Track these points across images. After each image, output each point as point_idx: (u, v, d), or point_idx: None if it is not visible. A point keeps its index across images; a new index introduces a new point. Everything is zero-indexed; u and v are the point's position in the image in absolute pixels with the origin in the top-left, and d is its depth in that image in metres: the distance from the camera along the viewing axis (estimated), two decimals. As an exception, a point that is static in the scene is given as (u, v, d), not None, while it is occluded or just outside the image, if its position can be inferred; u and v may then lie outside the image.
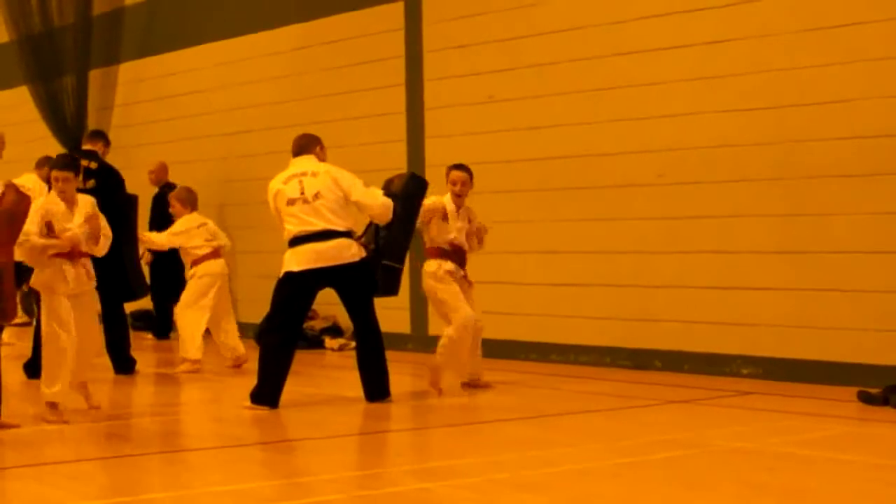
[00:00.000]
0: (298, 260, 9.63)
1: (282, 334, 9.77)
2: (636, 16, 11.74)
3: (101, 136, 12.22)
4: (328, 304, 11.09)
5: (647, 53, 11.64)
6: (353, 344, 12.42)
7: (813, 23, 10.55)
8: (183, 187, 12.72)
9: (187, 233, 12.24)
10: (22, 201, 8.78)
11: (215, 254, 12.24)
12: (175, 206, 12.46)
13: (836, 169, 10.41)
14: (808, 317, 10.60)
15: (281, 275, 9.71)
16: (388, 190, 9.99)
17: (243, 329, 13.01)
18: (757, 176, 10.90)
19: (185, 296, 12.23)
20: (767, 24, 10.84)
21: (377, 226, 9.98)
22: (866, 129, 10.22)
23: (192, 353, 12.04)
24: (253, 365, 10.35)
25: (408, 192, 10.09)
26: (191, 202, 12.45)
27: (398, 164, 13.55)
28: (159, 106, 17.44)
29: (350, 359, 11.31)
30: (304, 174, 9.74)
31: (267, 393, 9.62)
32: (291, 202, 9.68)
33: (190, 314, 12.10)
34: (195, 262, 12.25)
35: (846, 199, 10.36)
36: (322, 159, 9.96)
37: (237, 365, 12.14)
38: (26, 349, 11.79)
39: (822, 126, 10.49)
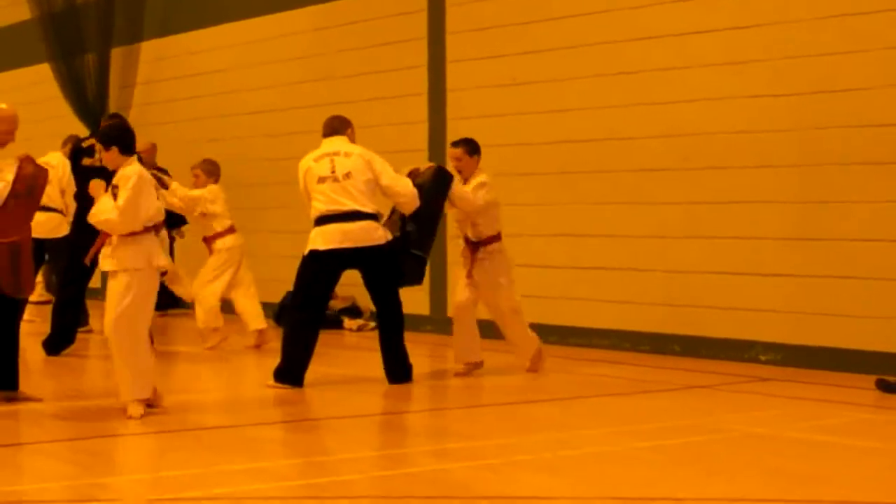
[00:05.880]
0: (325, 239, 9.63)
1: (306, 312, 9.78)
2: (660, 0, 11.70)
3: (118, 119, 12.30)
4: (347, 285, 11.09)
5: (671, 38, 11.60)
6: (372, 325, 12.50)
7: (836, 9, 10.50)
8: (207, 159, 12.74)
9: (215, 201, 12.26)
10: (40, 174, 8.81)
11: (233, 229, 12.29)
12: (200, 178, 12.47)
13: (857, 156, 10.37)
14: (828, 304, 10.58)
15: (306, 252, 9.72)
16: (413, 181, 9.98)
17: (266, 308, 13.01)
18: (778, 162, 10.87)
19: (205, 271, 12.24)
20: (791, 10, 10.79)
21: (403, 217, 9.98)
22: (888, 116, 10.17)
23: (214, 322, 12.07)
24: (275, 344, 10.37)
25: (435, 185, 10.09)
26: (215, 174, 12.50)
27: (419, 146, 13.56)
28: (181, 84, 17.45)
29: (368, 339, 11.35)
30: (336, 154, 9.75)
31: (291, 371, 9.64)
32: (322, 180, 9.67)
33: (209, 289, 12.12)
34: (214, 237, 12.26)
35: (867, 187, 10.33)
36: (352, 142, 9.97)
37: (258, 345, 12.18)
38: (47, 326, 11.84)
39: (844, 113, 10.44)
